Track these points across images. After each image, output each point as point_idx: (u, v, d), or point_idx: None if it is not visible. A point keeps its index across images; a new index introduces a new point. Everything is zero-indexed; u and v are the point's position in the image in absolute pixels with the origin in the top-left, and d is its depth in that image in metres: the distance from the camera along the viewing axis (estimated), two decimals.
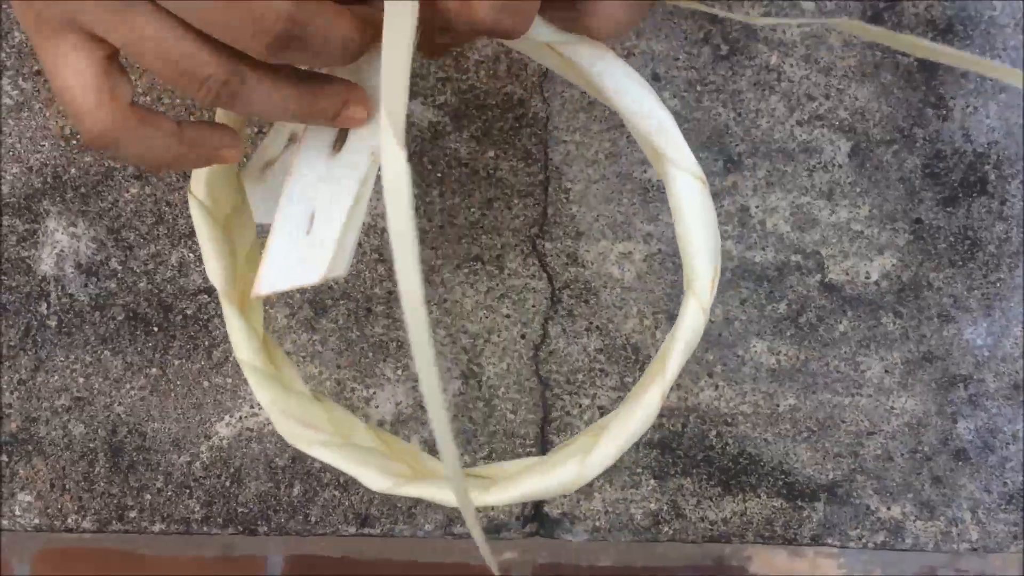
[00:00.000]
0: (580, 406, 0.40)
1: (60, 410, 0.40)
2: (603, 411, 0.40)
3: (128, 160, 0.25)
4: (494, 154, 0.41)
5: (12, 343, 0.40)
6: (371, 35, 0.23)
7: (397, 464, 0.31)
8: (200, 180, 0.31)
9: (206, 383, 0.40)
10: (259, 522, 0.39)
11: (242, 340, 0.30)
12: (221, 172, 0.31)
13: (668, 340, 0.29)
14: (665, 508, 0.39)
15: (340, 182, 0.26)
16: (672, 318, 0.40)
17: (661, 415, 0.40)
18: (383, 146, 0.21)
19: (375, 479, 0.29)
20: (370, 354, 0.40)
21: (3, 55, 0.41)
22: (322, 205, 0.26)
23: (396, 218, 0.20)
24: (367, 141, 0.26)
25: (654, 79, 0.41)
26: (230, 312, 0.30)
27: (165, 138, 0.24)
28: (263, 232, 0.28)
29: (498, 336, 0.40)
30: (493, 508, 0.39)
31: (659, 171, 0.29)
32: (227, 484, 0.39)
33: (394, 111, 0.21)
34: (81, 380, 0.40)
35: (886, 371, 0.40)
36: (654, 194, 0.41)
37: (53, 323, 0.40)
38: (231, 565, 0.75)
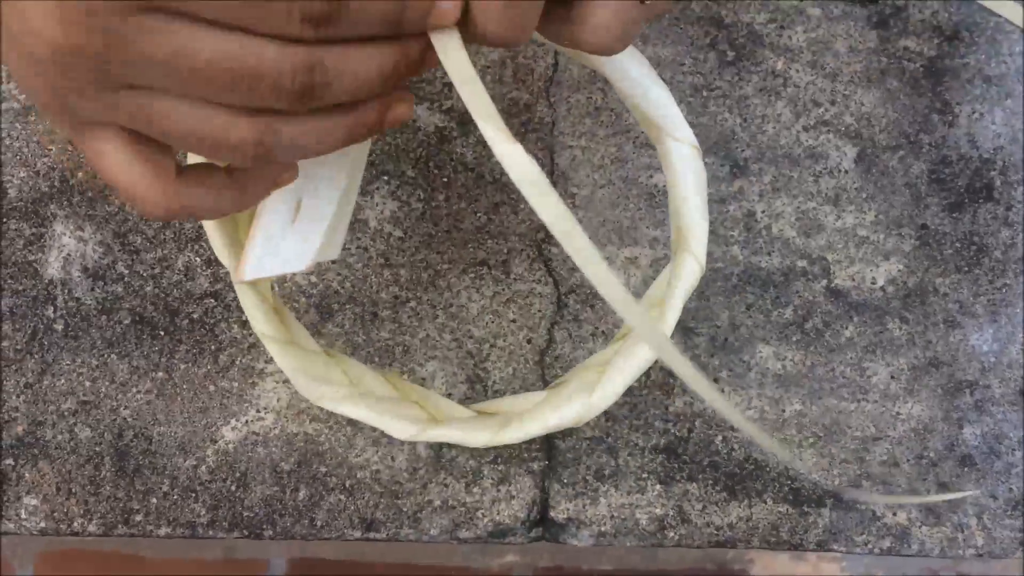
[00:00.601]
0: None
1: (66, 413, 0.40)
2: (609, 416, 0.40)
3: (199, 219, 0.25)
4: None
5: (19, 346, 0.40)
6: (406, 65, 0.22)
7: (415, 409, 0.33)
8: (197, 159, 0.31)
9: (212, 387, 0.40)
10: (264, 526, 0.39)
11: (258, 314, 0.31)
12: None
13: (665, 290, 0.32)
14: (671, 513, 0.39)
15: (328, 167, 0.26)
16: (678, 324, 0.40)
17: (667, 420, 0.40)
18: (501, 154, 0.21)
19: (401, 428, 0.32)
20: (376, 358, 0.40)
21: None
22: (309, 190, 0.26)
23: (546, 209, 0.21)
24: None
25: None
26: (242, 289, 0.31)
27: (221, 191, 0.24)
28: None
29: (504, 341, 0.40)
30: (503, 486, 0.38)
31: (656, 141, 0.31)
32: (233, 488, 0.39)
33: (488, 116, 0.21)
34: (87, 384, 0.40)
35: (892, 377, 0.40)
36: (660, 199, 0.41)
37: (60, 327, 0.40)
38: (233, 567, 0.75)
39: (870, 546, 0.39)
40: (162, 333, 0.40)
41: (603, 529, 0.39)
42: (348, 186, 0.27)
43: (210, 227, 0.31)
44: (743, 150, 0.41)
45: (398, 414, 0.32)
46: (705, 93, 0.42)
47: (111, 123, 0.22)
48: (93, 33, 0.19)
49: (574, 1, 0.23)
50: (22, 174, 0.41)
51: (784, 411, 0.40)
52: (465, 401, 0.40)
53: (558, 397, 0.31)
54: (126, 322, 0.40)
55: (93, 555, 0.70)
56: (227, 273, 0.40)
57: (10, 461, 0.39)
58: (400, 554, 0.54)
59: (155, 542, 0.64)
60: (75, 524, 0.39)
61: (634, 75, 0.30)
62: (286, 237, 0.27)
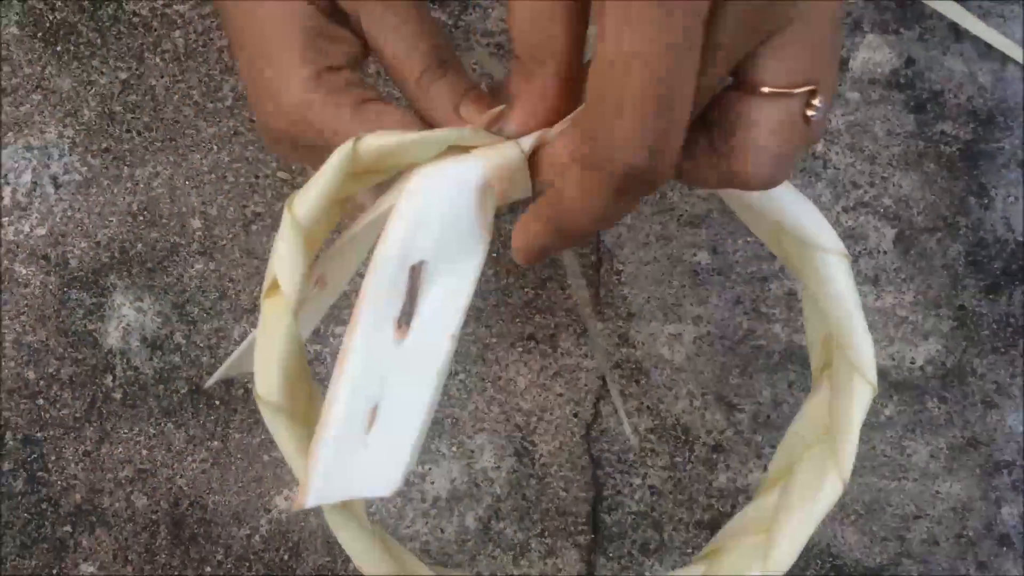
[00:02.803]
0: (631, 485, 0.41)
1: (124, 481, 0.41)
2: (653, 490, 0.41)
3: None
4: None
5: (78, 415, 0.41)
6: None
7: None
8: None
9: (266, 457, 0.41)
10: None
11: (358, 549, 0.25)
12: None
13: (834, 416, 0.28)
14: None
15: (413, 372, 0.22)
16: (720, 400, 0.41)
17: (711, 495, 0.41)
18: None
19: None
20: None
21: (73, 132, 0.42)
22: (389, 399, 0.22)
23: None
24: (444, 322, 0.23)
25: None
26: (332, 516, 0.25)
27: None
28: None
29: (551, 414, 0.41)
30: None
31: (796, 264, 0.28)
32: (285, 557, 0.40)
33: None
34: (144, 452, 0.41)
35: (931, 456, 0.41)
36: (703, 277, 0.42)
37: (118, 395, 0.41)
38: None
39: None
40: (218, 403, 0.41)
41: None
42: (436, 393, 0.23)
43: (277, 431, 0.25)
44: None
45: None
46: None
47: None
48: None
49: (719, 131, 0.21)
50: (83, 244, 0.42)
51: None
52: (513, 474, 0.41)
53: (721, 567, 0.28)
54: (183, 391, 0.41)
55: None
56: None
57: (68, 528, 0.40)
58: None
59: None
60: None
61: (775, 195, 0.26)
62: (359, 453, 0.22)
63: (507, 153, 0.24)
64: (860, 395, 0.27)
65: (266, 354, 0.23)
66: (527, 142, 0.24)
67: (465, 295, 0.24)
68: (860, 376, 0.27)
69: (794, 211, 0.26)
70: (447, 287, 0.23)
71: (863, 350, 0.27)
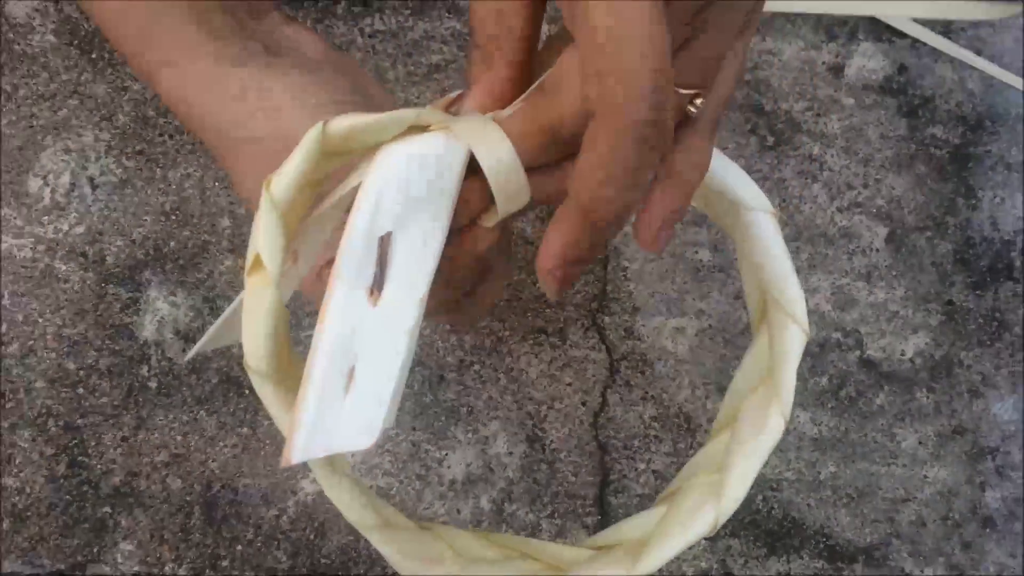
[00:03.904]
0: (636, 470, 0.43)
1: (159, 466, 0.43)
2: (657, 475, 0.43)
3: None
4: None
5: (116, 403, 0.43)
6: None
7: (535, 564, 0.31)
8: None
9: None
10: (340, 573, 0.42)
11: (348, 501, 0.28)
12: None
13: (771, 362, 0.30)
14: (715, 567, 0.43)
15: (386, 334, 0.24)
16: (721, 389, 0.44)
17: None
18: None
19: None
20: (443, 418, 0.43)
21: (108, 136, 0.45)
22: (365, 359, 0.24)
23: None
24: (413, 287, 0.25)
25: None
26: (324, 476, 0.27)
27: None
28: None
29: (561, 403, 0.44)
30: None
31: (728, 222, 0.30)
32: (311, 537, 0.43)
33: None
34: (179, 438, 0.43)
35: (920, 443, 0.43)
36: (705, 273, 0.45)
37: (153, 385, 0.44)
38: None
39: None
40: (247, 392, 0.44)
41: None
42: (407, 356, 0.25)
43: (266, 397, 0.26)
44: (782, 228, 0.45)
45: (524, 573, 0.30)
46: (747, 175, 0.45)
47: None
48: None
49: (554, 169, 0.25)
50: (119, 242, 0.45)
51: (820, 473, 0.43)
52: (525, 459, 0.43)
53: (680, 511, 0.29)
54: (214, 381, 0.44)
55: None
56: (307, 336, 0.44)
57: (107, 509, 0.43)
58: None
59: None
60: (166, 568, 0.43)
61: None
62: (339, 410, 0.24)
63: (474, 124, 0.25)
64: (794, 339, 0.29)
65: (253, 327, 0.25)
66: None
67: (431, 261, 0.25)
68: (794, 323, 0.29)
69: (723, 175, 0.29)
70: (413, 254, 0.25)
71: (793, 296, 0.29)
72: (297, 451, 0.23)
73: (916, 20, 0.45)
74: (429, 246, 0.25)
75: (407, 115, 0.25)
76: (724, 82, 0.25)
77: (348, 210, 0.25)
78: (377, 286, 0.25)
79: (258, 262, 0.25)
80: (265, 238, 0.25)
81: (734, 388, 0.32)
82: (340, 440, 0.24)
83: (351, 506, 0.28)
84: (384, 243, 0.25)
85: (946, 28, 0.46)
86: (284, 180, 0.25)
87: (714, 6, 0.23)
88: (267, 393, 0.26)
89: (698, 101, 0.24)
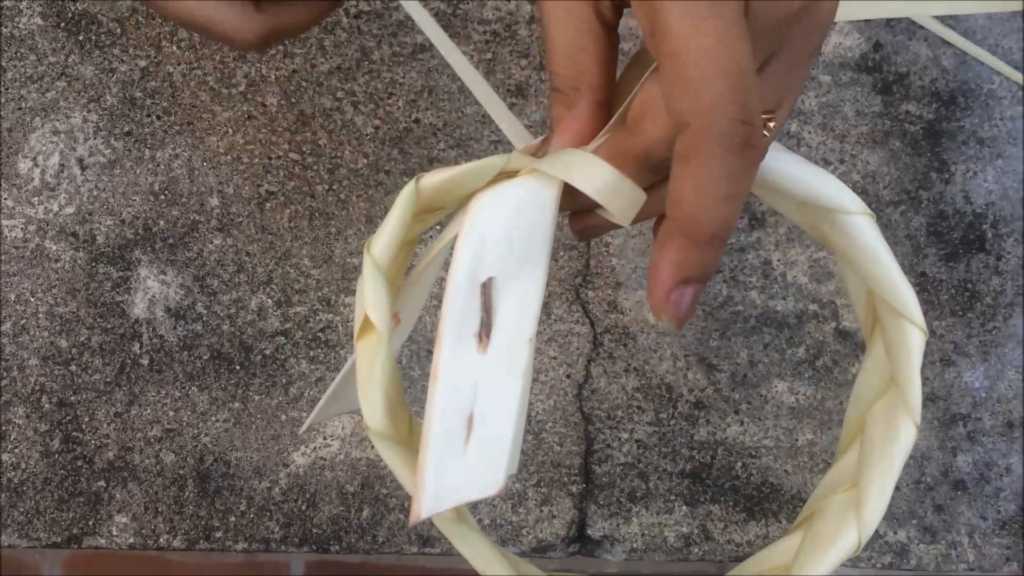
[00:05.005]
0: (620, 439, 0.45)
1: (152, 440, 0.44)
2: (640, 443, 0.44)
3: (291, 35, 0.29)
4: None
5: (109, 380, 0.44)
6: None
7: None
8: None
9: (283, 416, 0.44)
10: (331, 542, 0.44)
11: (486, 560, 0.27)
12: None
13: (894, 366, 0.29)
14: (696, 531, 0.44)
15: (499, 379, 0.24)
16: (701, 361, 0.45)
17: (693, 448, 0.44)
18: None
19: None
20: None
21: (96, 117, 0.45)
22: (482, 406, 0.24)
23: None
24: (520, 328, 0.25)
25: None
26: (451, 528, 0.27)
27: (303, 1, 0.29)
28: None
29: (546, 376, 0.45)
30: (551, 534, 0.41)
31: (824, 230, 0.29)
32: (303, 508, 0.44)
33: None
34: (171, 413, 0.44)
35: None
36: None
37: (145, 361, 0.44)
38: (256, 570, 0.79)
39: (873, 561, 0.44)
40: (238, 367, 0.44)
41: (635, 546, 0.44)
42: (523, 397, 0.24)
43: (389, 458, 0.26)
44: (760, 204, 0.46)
45: None
46: None
47: None
48: None
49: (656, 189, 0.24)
50: (109, 222, 0.45)
51: (797, 440, 0.44)
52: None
53: (821, 534, 0.28)
54: (205, 357, 0.45)
55: (118, 558, 0.74)
56: (296, 313, 0.45)
57: (102, 483, 0.44)
58: (412, 560, 0.58)
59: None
60: (161, 540, 0.44)
61: (795, 171, 0.28)
62: (461, 461, 0.24)
63: (563, 157, 0.26)
64: (914, 340, 0.28)
65: (369, 389, 0.25)
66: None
67: (535, 301, 0.25)
68: (909, 323, 0.28)
69: (813, 182, 0.27)
70: (518, 296, 0.25)
71: (907, 298, 0.28)
72: (425, 507, 0.23)
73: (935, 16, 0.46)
74: (532, 286, 0.25)
75: (496, 162, 0.26)
76: (789, 106, 0.25)
77: (447, 265, 0.25)
78: (485, 332, 0.25)
79: (367, 324, 0.26)
80: (372, 299, 0.25)
81: (856, 398, 0.31)
82: (465, 491, 0.23)
83: (486, 561, 0.28)
84: (487, 289, 0.25)
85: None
86: (383, 240, 0.26)
87: (792, 29, 0.23)
88: (390, 453, 0.26)
89: (771, 124, 0.24)
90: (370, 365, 0.25)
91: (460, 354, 0.24)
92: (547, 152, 0.26)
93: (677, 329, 0.24)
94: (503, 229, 0.25)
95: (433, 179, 0.26)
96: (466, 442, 0.24)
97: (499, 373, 0.24)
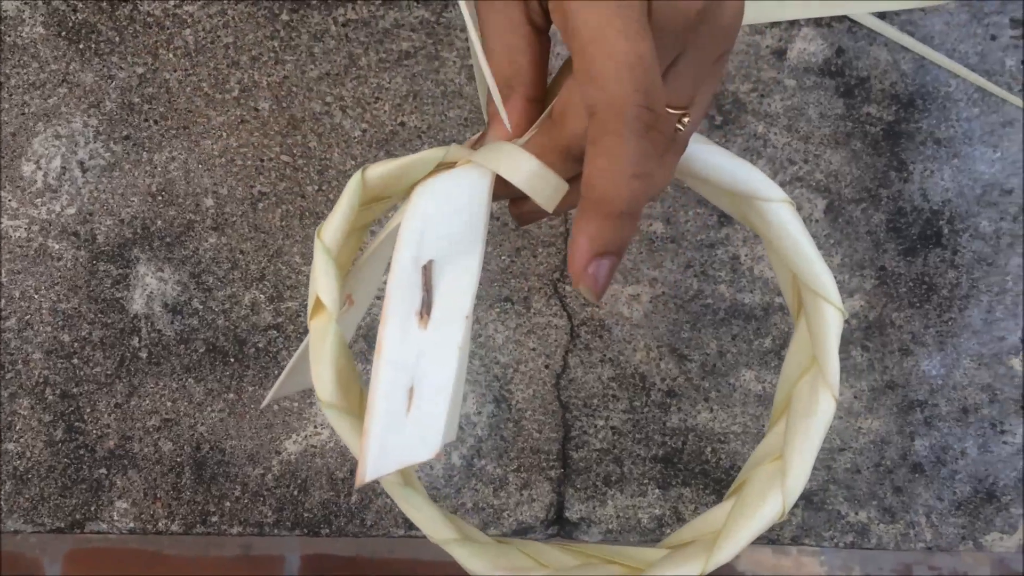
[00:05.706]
0: (596, 426, 0.47)
1: (151, 429, 0.46)
2: (615, 430, 0.47)
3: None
4: None
5: (109, 372, 0.46)
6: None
7: (618, 568, 0.32)
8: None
9: (276, 407, 0.46)
10: (322, 525, 0.46)
11: (425, 516, 0.29)
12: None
13: (813, 345, 0.30)
14: (668, 513, 0.46)
15: (437, 353, 0.26)
16: (673, 351, 0.47)
17: (665, 434, 0.47)
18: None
19: None
20: None
21: (96, 121, 0.48)
22: (421, 379, 0.26)
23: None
24: (458, 306, 0.26)
25: None
26: (397, 494, 0.29)
27: None
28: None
29: (525, 366, 0.47)
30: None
31: (752, 218, 0.30)
32: (295, 493, 0.46)
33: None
34: (169, 404, 0.46)
35: (855, 396, 0.47)
36: (658, 244, 0.48)
37: (144, 355, 0.47)
38: (251, 564, 0.81)
39: (836, 541, 0.46)
40: (232, 360, 0.47)
41: (610, 527, 0.46)
42: (459, 370, 0.26)
43: (339, 427, 0.28)
44: None
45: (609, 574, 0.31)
46: None
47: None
48: None
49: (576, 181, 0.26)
50: (108, 222, 0.47)
51: (764, 426, 0.47)
52: (492, 418, 0.47)
53: (749, 500, 0.30)
54: (201, 351, 0.47)
55: (118, 553, 0.76)
56: (287, 308, 0.47)
57: (103, 471, 0.46)
58: (403, 551, 0.60)
59: (176, 541, 0.69)
60: (160, 524, 0.46)
61: (722, 162, 0.30)
62: (403, 429, 0.25)
63: (494, 150, 0.28)
64: (832, 319, 0.30)
65: (321, 365, 0.27)
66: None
67: (472, 280, 0.27)
68: (827, 303, 0.29)
69: (739, 174, 0.30)
70: (456, 277, 0.27)
71: (824, 280, 0.30)
72: (368, 471, 0.25)
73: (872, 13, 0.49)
74: (469, 268, 0.27)
75: (436, 154, 0.28)
76: (702, 103, 0.27)
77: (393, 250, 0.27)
78: (426, 309, 0.26)
79: (319, 304, 0.28)
80: (322, 281, 0.27)
81: (783, 377, 0.33)
82: (405, 455, 0.25)
83: (429, 521, 0.29)
84: (427, 270, 0.27)
85: (881, 13, 0.49)
86: (332, 226, 0.28)
87: (697, 30, 0.24)
88: (340, 422, 0.28)
89: (685, 120, 0.26)
90: (321, 342, 0.27)
91: (403, 330, 0.26)
92: (483, 144, 0.28)
93: (596, 300, 0.26)
94: (442, 215, 0.27)
95: (378, 169, 0.28)
96: (407, 411, 0.25)
97: (438, 348, 0.26)
